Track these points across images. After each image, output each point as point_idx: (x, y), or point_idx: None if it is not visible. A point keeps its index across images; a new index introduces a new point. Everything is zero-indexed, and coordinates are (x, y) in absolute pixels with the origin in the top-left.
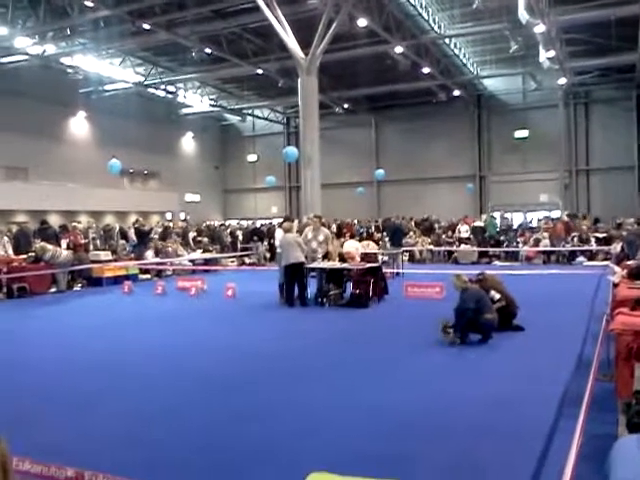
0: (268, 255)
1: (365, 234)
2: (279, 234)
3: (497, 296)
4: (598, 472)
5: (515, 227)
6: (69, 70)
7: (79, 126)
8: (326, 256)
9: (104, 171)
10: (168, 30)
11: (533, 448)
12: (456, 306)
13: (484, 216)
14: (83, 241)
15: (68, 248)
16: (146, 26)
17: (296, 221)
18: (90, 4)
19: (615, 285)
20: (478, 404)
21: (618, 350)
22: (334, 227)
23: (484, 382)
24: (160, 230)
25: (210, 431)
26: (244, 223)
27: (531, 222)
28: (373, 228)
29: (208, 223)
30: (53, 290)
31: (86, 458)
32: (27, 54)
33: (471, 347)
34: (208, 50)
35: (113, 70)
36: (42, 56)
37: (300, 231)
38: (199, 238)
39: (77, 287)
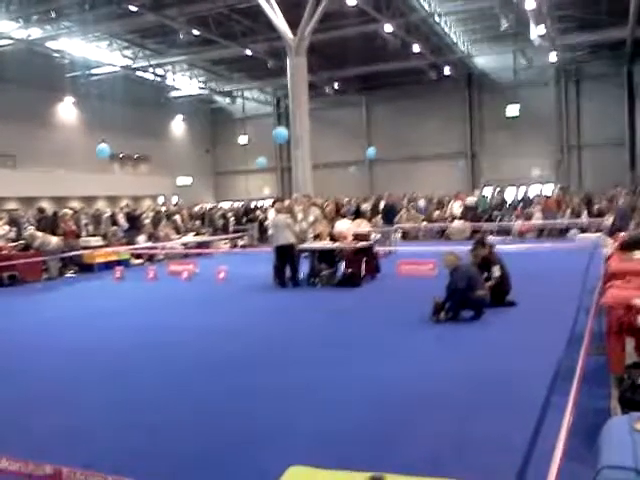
0: (257, 236)
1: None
2: (271, 215)
3: (497, 273)
4: (590, 447)
5: (509, 202)
6: (55, 54)
7: (67, 111)
8: (317, 236)
9: (94, 156)
10: (155, 12)
11: (526, 423)
12: (447, 283)
13: (476, 192)
14: (74, 227)
15: (58, 235)
16: (132, 8)
17: (287, 201)
18: None
19: (607, 258)
20: (471, 380)
21: (609, 324)
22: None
23: (477, 358)
24: (152, 214)
25: (205, 412)
26: (236, 205)
27: (524, 197)
28: (369, 207)
29: (201, 206)
30: (45, 277)
31: (76, 447)
32: (12, 38)
33: (464, 324)
34: (196, 32)
35: (100, 53)
36: (27, 40)
37: (289, 209)
38: (191, 222)
39: (69, 274)
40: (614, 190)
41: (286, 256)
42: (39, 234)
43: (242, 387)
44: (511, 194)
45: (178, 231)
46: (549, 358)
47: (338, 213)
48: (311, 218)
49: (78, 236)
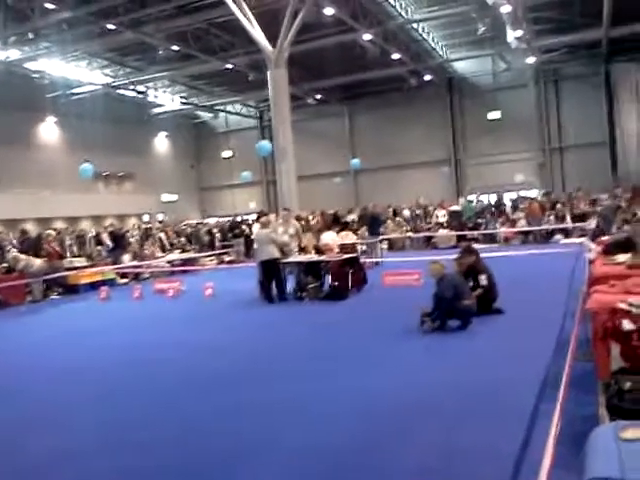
0: (243, 251)
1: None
2: (256, 229)
3: (485, 282)
4: (578, 454)
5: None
6: (35, 75)
7: (49, 131)
8: (303, 249)
9: (77, 176)
10: (133, 29)
11: (514, 432)
12: (434, 292)
13: (461, 200)
14: (57, 249)
15: (42, 256)
16: (110, 26)
17: (272, 215)
18: (51, 6)
19: (591, 262)
20: (459, 389)
21: (595, 329)
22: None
23: (464, 367)
24: (136, 233)
25: (192, 430)
26: (222, 220)
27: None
28: (355, 217)
29: (187, 222)
30: (29, 300)
31: (65, 467)
32: None
33: (451, 333)
34: (175, 47)
35: (80, 73)
36: (6, 62)
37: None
38: (177, 239)
39: (53, 296)
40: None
41: (271, 271)
42: (22, 257)
43: (229, 404)
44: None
45: (163, 249)
46: (536, 365)
47: (339, 225)
48: (292, 230)
49: (62, 257)
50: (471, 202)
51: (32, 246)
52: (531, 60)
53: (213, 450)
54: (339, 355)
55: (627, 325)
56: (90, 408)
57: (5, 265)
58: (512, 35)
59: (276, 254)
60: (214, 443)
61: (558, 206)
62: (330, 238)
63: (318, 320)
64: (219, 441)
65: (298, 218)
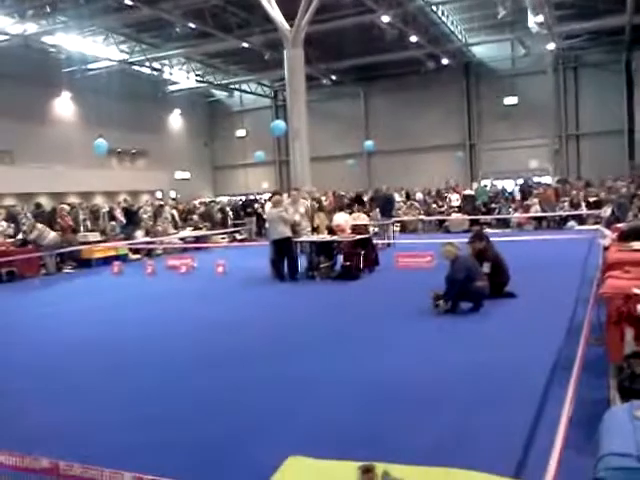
0: (255, 230)
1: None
2: (268, 208)
3: (487, 270)
4: (590, 437)
5: (507, 194)
6: (51, 49)
7: (64, 106)
8: (315, 229)
9: (91, 151)
10: (150, 5)
11: (527, 414)
12: (447, 274)
13: (475, 184)
14: (71, 223)
15: (56, 230)
16: (128, 2)
17: (285, 195)
18: None
19: (605, 248)
20: (471, 372)
21: (608, 314)
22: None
23: (476, 350)
24: (150, 209)
25: (204, 404)
26: (234, 199)
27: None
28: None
29: (200, 200)
30: (42, 273)
31: (74, 440)
32: (7, 34)
33: (462, 315)
34: (192, 25)
35: (96, 48)
36: (23, 35)
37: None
38: (189, 217)
39: (66, 269)
40: (612, 182)
41: (283, 249)
42: (39, 225)
43: (241, 379)
44: (509, 186)
45: (175, 226)
46: (548, 348)
47: (362, 204)
48: (302, 209)
49: (75, 231)
50: (485, 187)
51: (46, 220)
52: (551, 46)
53: (225, 424)
54: (351, 335)
55: None
56: (104, 382)
57: (20, 238)
58: (533, 20)
59: (287, 233)
60: (227, 417)
61: (573, 192)
62: (342, 219)
63: (330, 299)
64: (230, 415)
65: (312, 198)
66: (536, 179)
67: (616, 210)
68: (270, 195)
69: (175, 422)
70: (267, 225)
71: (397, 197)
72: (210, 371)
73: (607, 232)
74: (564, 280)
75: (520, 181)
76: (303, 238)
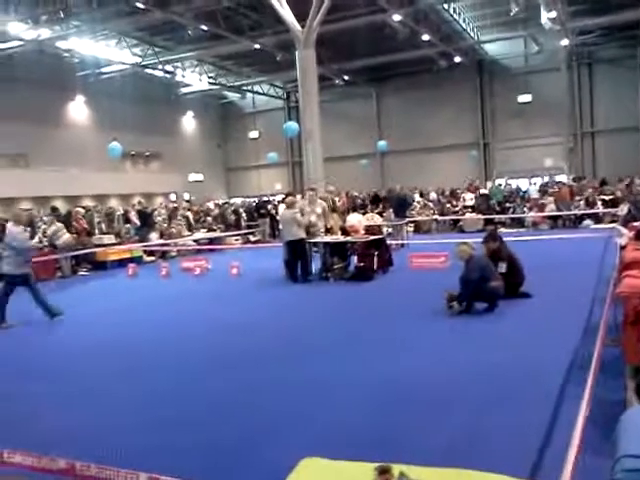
0: (268, 231)
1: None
2: (282, 210)
3: (504, 269)
4: (607, 438)
5: (522, 193)
6: (65, 54)
7: (78, 110)
8: (329, 230)
9: (106, 155)
10: (162, 8)
11: (542, 415)
12: (461, 275)
13: (489, 183)
14: (86, 226)
15: (71, 233)
16: (140, 5)
17: (299, 196)
18: None
19: (622, 247)
20: (485, 372)
21: (625, 314)
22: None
23: (491, 350)
24: (164, 212)
25: (219, 406)
26: (248, 201)
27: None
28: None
29: (214, 202)
30: (58, 276)
31: (90, 442)
32: (22, 39)
33: (477, 316)
34: (204, 27)
35: (109, 52)
36: (37, 41)
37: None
38: (204, 218)
39: (82, 272)
40: (628, 180)
41: (297, 251)
42: (59, 224)
43: (254, 381)
44: (524, 185)
45: (190, 228)
46: (564, 349)
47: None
48: (319, 210)
49: (90, 234)
50: (500, 186)
51: (62, 223)
52: (565, 42)
53: (240, 426)
54: (364, 336)
55: None
56: (118, 384)
57: (36, 242)
58: (546, 16)
59: (301, 234)
60: (241, 420)
61: (589, 190)
62: (356, 219)
63: (344, 301)
64: (246, 418)
65: (324, 199)
66: (551, 177)
67: (633, 208)
68: (283, 196)
69: (189, 424)
70: (281, 226)
71: (416, 196)
72: (224, 373)
73: (624, 231)
74: (580, 280)
75: (538, 180)
76: (317, 239)
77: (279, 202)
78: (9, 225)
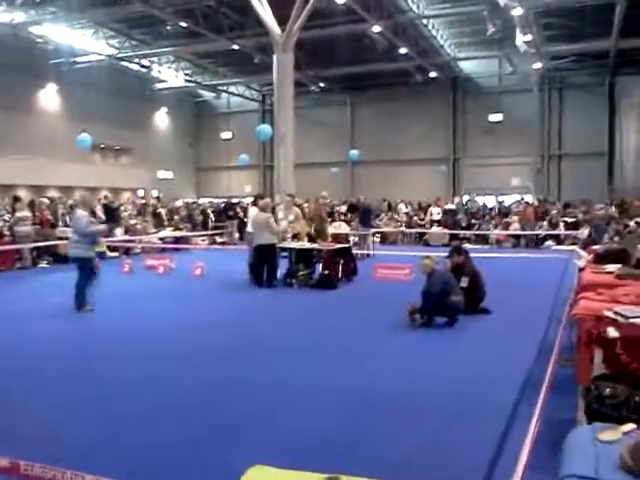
0: (237, 235)
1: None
2: (253, 212)
3: (465, 284)
4: (555, 456)
5: (488, 210)
6: (39, 40)
7: (49, 98)
8: (296, 236)
9: (74, 146)
10: (142, 1)
11: (494, 431)
12: (423, 288)
13: (456, 199)
14: (49, 217)
15: (34, 224)
16: None
17: (268, 199)
18: None
19: (581, 269)
20: (442, 387)
21: (579, 335)
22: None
23: (449, 365)
24: (130, 207)
25: (177, 405)
26: (216, 202)
27: (503, 206)
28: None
29: (184, 201)
30: (18, 266)
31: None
32: None
33: (437, 330)
34: (183, 24)
35: (85, 41)
36: (11, 24)
37: (271, 209)
38: (172, 217)
39: (43, 264)
40: (589, 206)
41: (265, 255)
42: (26, 213)
43: (219, 381)
44: (490, 203)
45: (162, 224)
46: (519, 366)
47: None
48: (292, 217)
49: (54, 226)
50: (469, 201)
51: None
52: (538, 65)
53: (200, 425)
54: (328, 343)
55: (612, 332)
56: (75, 381)
57: None
58: (521, 39)
59: (273, 240)
60: (202, 418)
61: (553, 212)
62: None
63: (309, 308)
64: (207, 416)
65: (296, 204)
66: (517, 197)
67: (593, 232)
68: (253, 198)
69: (144, 422)
70: (250, 229)
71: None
72: (186, 372)
73: (583, 253)
74: (539, 299)
75: (507, 198)
76: (284, 244)
77: (248, 204)
78: (77, 210)
